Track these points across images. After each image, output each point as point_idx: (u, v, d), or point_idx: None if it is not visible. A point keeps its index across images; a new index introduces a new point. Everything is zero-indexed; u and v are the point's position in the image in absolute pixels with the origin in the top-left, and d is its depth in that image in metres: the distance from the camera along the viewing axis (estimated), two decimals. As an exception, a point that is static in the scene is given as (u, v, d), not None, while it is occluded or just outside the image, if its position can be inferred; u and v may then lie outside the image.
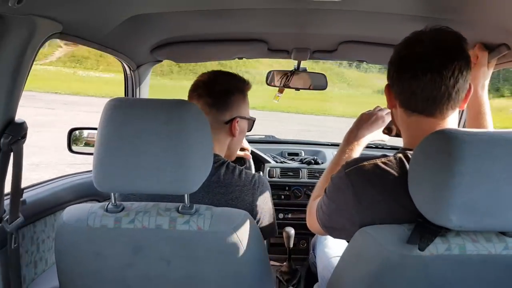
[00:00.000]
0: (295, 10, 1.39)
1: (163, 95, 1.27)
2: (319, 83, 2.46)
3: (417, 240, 0.87)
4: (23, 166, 1.19)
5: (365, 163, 1.01)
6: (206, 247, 1.00)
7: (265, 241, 1.15)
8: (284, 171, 2.60)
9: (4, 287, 1.20)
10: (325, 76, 2.45)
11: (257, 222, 1.22)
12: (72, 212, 1.04)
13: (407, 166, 0.97)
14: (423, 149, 0.89)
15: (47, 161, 7.28)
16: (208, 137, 1.03)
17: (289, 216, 2.55)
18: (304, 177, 2.57)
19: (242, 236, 1.00)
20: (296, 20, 1.52)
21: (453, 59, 0.98)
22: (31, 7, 1.03)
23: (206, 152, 1.02)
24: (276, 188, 2.54)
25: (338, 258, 1.05)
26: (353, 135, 1.35)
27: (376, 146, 2.80)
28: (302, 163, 2.66)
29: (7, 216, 1.18)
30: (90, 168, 1.09)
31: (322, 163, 2.66)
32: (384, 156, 1.03)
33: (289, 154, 2.83)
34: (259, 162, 2.59)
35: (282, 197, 2.56)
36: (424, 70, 0.99)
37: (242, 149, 1.88)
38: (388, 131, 1.40)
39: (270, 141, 3.05)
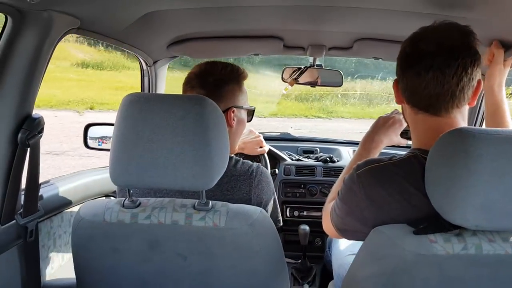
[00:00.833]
0: (310, 7, 1.39)
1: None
2: (334, 79, 2.45)
3: (425, 232, 0.87)
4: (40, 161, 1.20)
5: (376, 164, 1.01)
6: (222, 244, 1.00)
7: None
8: (300, 169, 2.58)
9: (22, 281, 1.21)
10: (340, 73, 2.43)
11: None
12: (89, 207, 1.05)
13: (417, 165, 0.97)
14: (439, 148, 0.88)
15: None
16: (224, 133, 1.03)
17: (304, 213, 2.53)
18: (319, 175, 2.55)
19: (258, 233, 1.00)
20: (311, 17, 1.52)
21: (457, 57, 0.97)
22: (48, 2, 1.04)
23: (222, 147, 1.01)
24: (291, 186, 2.53)
25: (353, 256, 1.04)
26: (370, 139, 1.35)
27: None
28: (318, 160, 2.65)
29: (21, 210, 1.20)
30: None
31: (337, 161, 2.63)
32: (394, 156, 1.03)
33: (305, 151, 2.82)
34: (275, 159, 2.58)
35: (298, 195, 2.54)
36: (427, 68, 0.98)
37: (260, 147, 1.88)
38: (405, 134, 1.38)
39: (285, 138, 3.04)
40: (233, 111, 1.32)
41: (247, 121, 1.43)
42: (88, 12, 1.20)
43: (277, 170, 2.47)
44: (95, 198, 1.70)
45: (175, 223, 0.99)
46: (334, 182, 1.33)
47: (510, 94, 3.82)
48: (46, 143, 6.78)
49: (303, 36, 1.85)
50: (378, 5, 1.31)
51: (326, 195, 2.17)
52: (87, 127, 1.91)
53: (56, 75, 12.03)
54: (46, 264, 1.42)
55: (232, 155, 1.26)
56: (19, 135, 1.13)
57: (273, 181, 1.32)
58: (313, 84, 2.45)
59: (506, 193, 0.80)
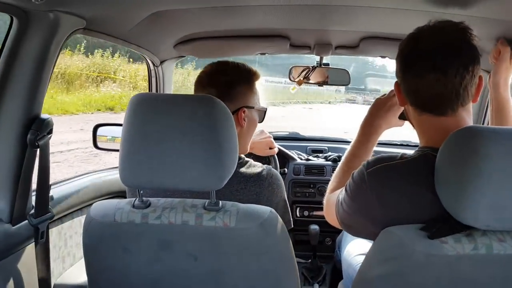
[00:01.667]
0: (317, 7, 1.38)
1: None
2: (342, 78, 2.44)
3: (440, 235, 0.86)
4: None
5: (386, 163, 1.00)
6: (232, 244, 0.99)
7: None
8: (309, 169, 2.57)
9: (33, 281, 1.22)
10: (347, 72, 2.42)
11: None
12: (99, 207, 1.05)
13: (428, 165, 0.95)
14: (448, 148, 0.87)
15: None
16: (233, 133, 1.02)
17: (314, 213, 2.52)
18: (328, 175, 2.53)
19: (268, 232, 0.99)
20: (318, 16, 1.52)
21: (457, 55, 0.95)
22: (54, 2, 1.04)
23: (231, 147, 1.01)
24: (301, 186, 2.53)
25: (363, 256, 1.03)
26: (368, 125, 1.32)
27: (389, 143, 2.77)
28: (327, 160, 2.64)
29: (32, 211, 1.20)
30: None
31: None
32: (405, 154, 1.01)
33: (313, 151, 2.81)
34: (284, 159, 2.57)
35: (307, 194, 2.54)
36: (428, 68, 0.96)
37: (271, 148, 1.87)
38: (403, 116, 1.35)
39: (294, 137, 3.04)
40: (244, 111, 1.31)
41: (259, 122, 1.42)
42: (94, 12, 1.20)
43: (286, 170, 2.46)
44: (105, 199, 1.70)
45: (185, 223, 0.99)
46: None
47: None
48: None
49: (310, 35, 1.85)
50: (386, 4, 1.30)
51: (335, 194, 2.15)
52: (96, 128, 1.92)
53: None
54: (57, 265, 1.42)
55: (243, 155, 1.26)
56: (28, 136, 1.13)
57: (283, 180, 1.31)
58: (322, 83, 2.44)
59: None
